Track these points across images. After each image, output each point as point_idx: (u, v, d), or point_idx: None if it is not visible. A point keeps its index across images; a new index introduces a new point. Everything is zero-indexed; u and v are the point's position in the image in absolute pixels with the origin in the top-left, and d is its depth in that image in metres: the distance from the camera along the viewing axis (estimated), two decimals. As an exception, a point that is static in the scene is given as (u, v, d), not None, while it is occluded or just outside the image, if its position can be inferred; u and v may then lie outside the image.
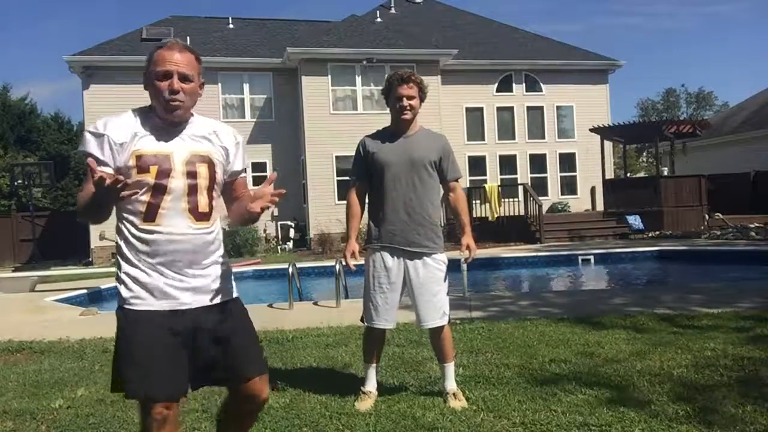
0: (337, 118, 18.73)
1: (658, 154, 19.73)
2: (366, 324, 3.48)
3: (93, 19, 74.80)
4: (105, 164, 1.93)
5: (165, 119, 2.01)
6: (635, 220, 16.30)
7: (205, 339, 2.02)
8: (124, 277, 1.99)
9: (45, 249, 17.58)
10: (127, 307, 1.97)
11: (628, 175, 25.82)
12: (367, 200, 3.55)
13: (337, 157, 18.38)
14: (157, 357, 1.93)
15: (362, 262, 3.51)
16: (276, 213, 19.47)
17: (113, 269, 2.40)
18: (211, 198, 2.06)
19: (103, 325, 6.03)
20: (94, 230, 17.06)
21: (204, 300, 2.04)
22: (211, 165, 2.05)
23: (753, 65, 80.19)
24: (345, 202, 3.61)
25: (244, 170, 2.22)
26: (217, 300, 2.07)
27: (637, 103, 62.92)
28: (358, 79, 19.28)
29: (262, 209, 1.95)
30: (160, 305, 1.96)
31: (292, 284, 7.28)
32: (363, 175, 3.47)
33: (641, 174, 36.35)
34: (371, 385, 3.51)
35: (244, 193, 2.19)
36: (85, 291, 9.63)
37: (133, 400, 1.99)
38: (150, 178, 1.94)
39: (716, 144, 25.19)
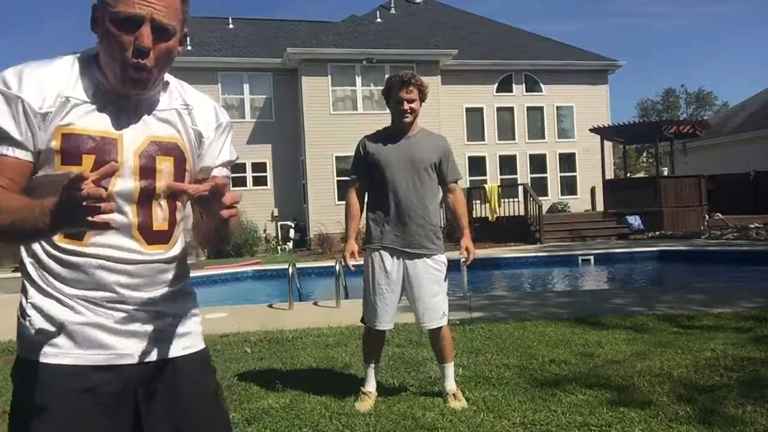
0: (337, 118, 18.72)
1: (658, 154, 19.72)
2: (366, 325, 3.48)
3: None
4: (21, 146, 1.22)
5: (119, 91, 1.28)
6: (635, 221, 16.30)
7: (152, 413, 1.33)
8: (30, 310, 1.27)
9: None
10: (31, 358, 1.24)
11: (628, 175, 25.83)
12: (366, 200, 3.56)
13: (337, 157, 18.38)
14: None
15: (361, 262, 3.51)
16: (276, 213, 19.49)
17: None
18: (173, 209, 1.37)
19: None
20: (94, 230, 17.05)
21: (156, 351, 1.34)
22: (179, 160, 1.35)
23: (753, 65, 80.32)
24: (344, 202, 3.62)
25: (227, 166, 1.47)
26: (176, 351, 1.38)
27: (637, 103, 63.01)
28: (358, 80, 19.28)
29: (228, 216, 1.19)
30: (86, 357, 1.26)
31: (292, 284, 7.28)
32: (363, 175, 3.47)
33: (641, 174, 36.34)
34: (371, 386, 3.51)
35: None
36: (85, 291, 9.61)
37: None
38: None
39: (716, 144, 25.19)
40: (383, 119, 3.48)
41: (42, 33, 74.97)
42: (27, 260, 1.32)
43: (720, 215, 16.72)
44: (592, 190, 21.15)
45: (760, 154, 22.24)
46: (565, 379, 3.73)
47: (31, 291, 1.29)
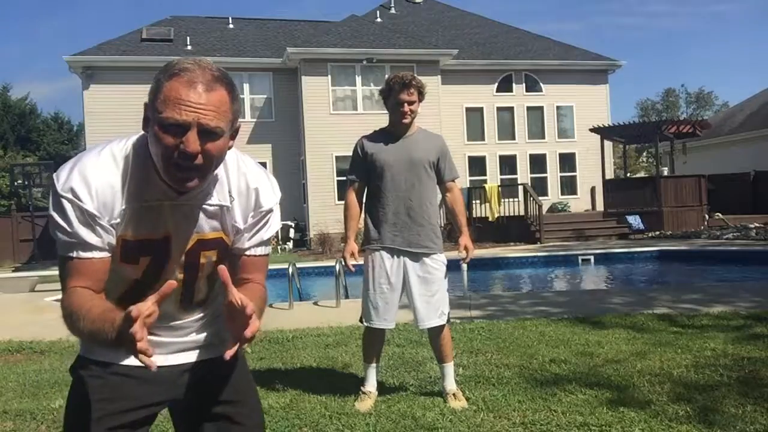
0: (337, 118, 18.72)
1: (658, 154, 19.73)
2: (365, 324, 3.48)
3: (93, 19, 74.90)
4: (102, 249, 1.33)
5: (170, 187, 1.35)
6: (635, 220, 16.30)
7: (198, 401, 1.52)
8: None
9: (45, 249, 17.56)
10: (89, 356, 1.46)
11: (628, 175, 25.82)
12: (364, 201, 3.56)
13: (337, 157, 18.37)
14: None
15: (362, 262, 3.51)
16: (276, 213, 19.49)
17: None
18: (212, 283, 1.49)
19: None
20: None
21: (192, 357, 1.53)
22: (222, 250, 1.45)
23: (753, 65, 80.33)
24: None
25: (261, 246, 1.49)
26: (212, 354, 1.52)
27: (637, 103, 62.98)
28: (358, 79, 19.28)
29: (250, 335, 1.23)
30: (128, 362, 1.41)
31: (292, 284, 7.28)
32: (361, 175, 3.48)
33: (641, 174, 36.33)
34: (371, 385, 3.51)
35: (250, 280, 1.47)
36: (85, 291, 9.61)
37: None
38: (136, 271, 1.39)
39: (716, 144, 25.20)
40: (383, 119, 3.48)
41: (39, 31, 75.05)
42: None
43: (720, 215, 16.73)
44: (592, 190, 21.16)
45: (760, 154, 22.25)
46: (565, 379, 3.73)
47: None
